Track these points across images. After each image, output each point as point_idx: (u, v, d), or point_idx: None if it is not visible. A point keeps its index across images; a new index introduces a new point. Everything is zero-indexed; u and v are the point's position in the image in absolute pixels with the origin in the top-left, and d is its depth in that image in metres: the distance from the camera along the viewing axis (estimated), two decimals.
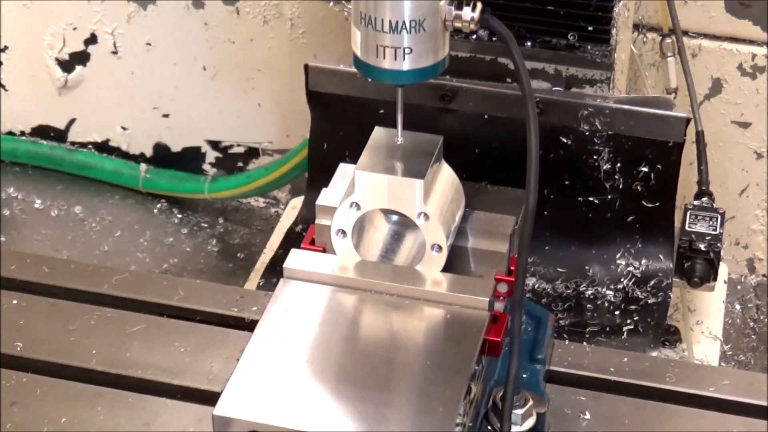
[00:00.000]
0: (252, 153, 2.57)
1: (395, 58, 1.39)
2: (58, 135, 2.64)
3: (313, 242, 1.49)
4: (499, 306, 1.42)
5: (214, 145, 2.58)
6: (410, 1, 1.35)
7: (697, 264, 1.86)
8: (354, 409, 1.27)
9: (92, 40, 2.51)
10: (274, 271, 1.93)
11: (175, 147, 2.60)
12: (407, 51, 1.38)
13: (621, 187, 1.89)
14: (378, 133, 1.46)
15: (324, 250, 1.47)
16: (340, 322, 1.38)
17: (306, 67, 1.96)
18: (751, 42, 2.17)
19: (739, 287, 2.39)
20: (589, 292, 1.91)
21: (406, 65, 1.39)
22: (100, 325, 1.62)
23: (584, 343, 1.70)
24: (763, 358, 2.24)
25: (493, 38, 1.86)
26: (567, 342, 1.65)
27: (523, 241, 1.36)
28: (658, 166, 1.87)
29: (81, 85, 2.57)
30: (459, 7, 1.40)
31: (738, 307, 2.35)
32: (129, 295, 1.67)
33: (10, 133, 2.66)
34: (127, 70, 2.52)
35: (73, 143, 2.64)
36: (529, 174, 1.37)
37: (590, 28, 1.81)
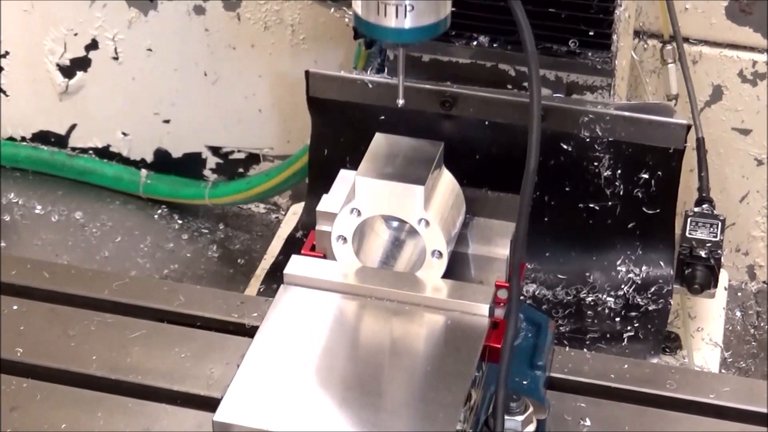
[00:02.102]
0: (252, 159, 2.57)
1: (397, 16, 1.37)
2: (59, 140, 2.64)
3: (313, 248, 1.49)
4: (499, 312, 1.42)
5: (215, 150, 2.58)
6: None
7: (698, 271, 1.86)
8: (354, 415, 1.27)
9: (93, 45, 2.51)
10: (275, 277, 1.93)
11: (176, 153, 2.60)
12: (409, 8, 1.36)
13: (621, 193, 1.89)
14: (378, 139, 1.46)
15: (324, 257, 1.47)
16: (341, 328, 1.38)
17: (307, 73, 1.96)
18: (751, 49, 2.17)
19: (739, 294, 2.39)
20: (589, 299, 1.91)
21: (407, 23, 1.38)
22: (100, 330, 1.62)
23: (584, 350, 1.70)
24: (763, 364, 2.24)
25: (494, 45, 1.86)
26: (567, 348, 1.65)
27: (524, 205, 1.32)
28: (659, 172, 1.87)
29: (82, 90, 2.57)
30: None
31: (738, 313, 2.35)
32: (129, 301, 1.67)
33: (11, 139, 2.66)
34: (128, 76, 2.52)
35: (73, 149, 2.64)
36: (531, 136, 1.35)
37: (591, 35, 1.81)
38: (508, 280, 1.47)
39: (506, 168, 1.85)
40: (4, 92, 2.62)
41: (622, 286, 1.91)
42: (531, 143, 1.33)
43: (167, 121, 2.56)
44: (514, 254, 1.33)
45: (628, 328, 1.87)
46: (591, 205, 1.91)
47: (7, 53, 2.57)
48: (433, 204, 1.40)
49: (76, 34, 2.50)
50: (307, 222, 2.01)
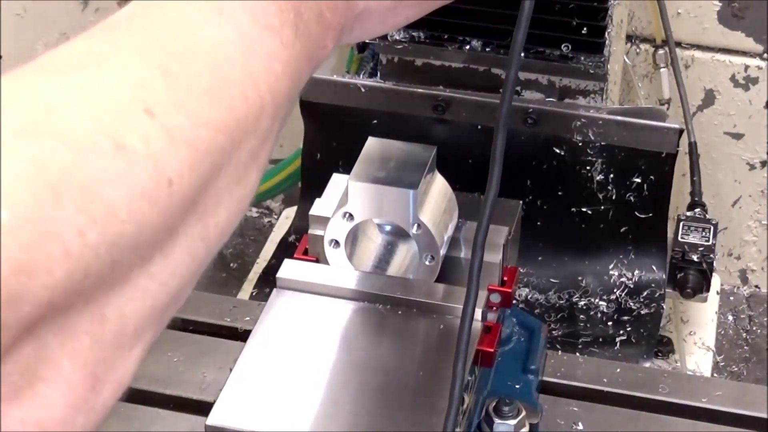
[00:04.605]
0: None
1: None
2: None
3: (306, 252, 1.49)
4: (492, 316, 1.42)
5: None
6: None
7: (690, 275, 1.86)
8: (347, 420, 1.27)
9: None
10: (267, 281, 1.93)
11: None
12: None
13: (614, 197, 1.89)
14: (371, 143, 1.46)
15: (317, 260, 1.47)
16: (333, 333, 1.38)
17: None
18: (743, 53, 2.17)
19: (731, 298, 2.39)
20: (582, 303, 1.91)
21: None
22: None
23: (577, 354, 1.70)
24: (755, 369, 2.24)
25: (487, 49, 1.86)
26: (560, 353, 1.65)
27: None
28: (651, 176, 1.87)
29: None
30: None
31: (731, 318, 2.35)
32: None
33: None
34: None
35: None
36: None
37: (584, 39, 1.81)
38: (501, 282, 1.47)
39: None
40: None
41: (615, 290, 1.91)
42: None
43: None
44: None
45: (621, 332, 1.87)
46: (584, 210, 1.91)
47: None
48: (426, 208, 1.40)
49: (68, 38, 2.50)
50: (300, 226, 2.01)
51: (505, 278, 1.48)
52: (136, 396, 1.53)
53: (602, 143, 1.86)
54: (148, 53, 0.72)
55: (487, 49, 1.86)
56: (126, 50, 0.72)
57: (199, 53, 0.73)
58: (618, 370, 1.58)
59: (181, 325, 1.64)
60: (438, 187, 1.45)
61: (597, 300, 1.91)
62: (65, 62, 0.71)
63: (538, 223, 1.92)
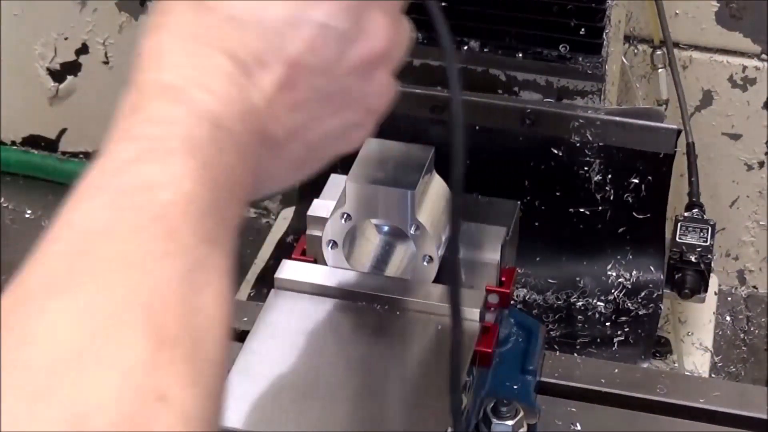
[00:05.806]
0: None
1: None
2: (49, 145, 2.64)
3: (304, 253, 1.49)
4: (489, 317, 1.42)
5: None
6: None
7: (688, 275, 1.86)
8: (345, 420, 1.27)
9: (83, 50, 2.50)
10: (265, 282, 1.92)
11: None
12: None
13: (612, 198, 1.90)
14: (369, 143, 1.46)
15: (315, 261, 1.47)
16: (331, 333, 1.38)
17: None
18: (741, 54, 2.17)
19: (729, 299, 2.39)
20: (580, 304, 1.91)
21: None
22: None
23: (575, 354, 1.70)
24: (753, 369, 2.24)
25: (485, 50, 1.86)
26: (558, 353, 1.65)
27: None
28: (649, 177, 1.87)
29: (72, 95, 2.57)
30: None
31: (728, 318, 2.35)
32: None
33: (1, 143, 2.66)
34: (118, 80, 2.52)
35: (64, 153, 2.64)
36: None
37: (582, 39, 1.82)
38: (499, 283, 1.47)
39: (497, 172, 1.85)
40: None
41: (613, 291, 1.91)
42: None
43: None
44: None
45: (619, 332, 1.87)
46: (581, 210, 1.91)
47: None
48: (424, 208, 1.40)
49: (66, 39, 2.50)
50: (298, 226, 2.01)
51: (503, 279, 1.48)
52: None
53: (600, 144, 1.86)
54: (133, 315, 0.71)
55: (485, 50, 1.86)
56: (110, 315, 0.71)
57: (171, 303, 0.73)
58: (616, 370, 1.58)
59: None
60: (436, 187, 1.45)
61: (595, 300, 1.91)
62: (67, 337, 0.70)
63: (536, 224, 1.92)
